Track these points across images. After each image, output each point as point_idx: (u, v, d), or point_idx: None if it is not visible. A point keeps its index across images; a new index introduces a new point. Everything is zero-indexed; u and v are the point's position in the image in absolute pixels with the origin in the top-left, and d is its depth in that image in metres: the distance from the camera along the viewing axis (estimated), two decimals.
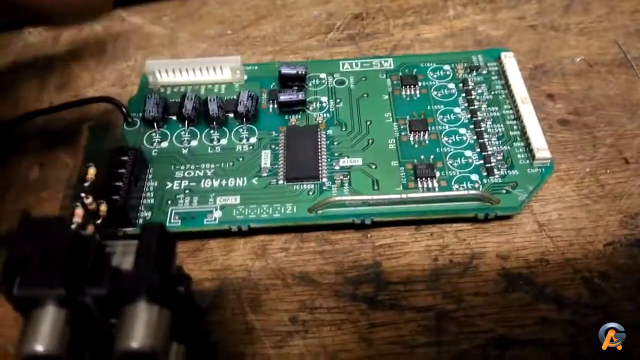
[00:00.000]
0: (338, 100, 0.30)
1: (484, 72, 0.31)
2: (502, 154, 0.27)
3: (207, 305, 0.24)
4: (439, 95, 0.30)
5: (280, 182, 0.27)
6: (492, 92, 0.30)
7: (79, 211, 0.21)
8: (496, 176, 0.26)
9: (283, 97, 0.29)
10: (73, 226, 0.20)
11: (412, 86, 0.30)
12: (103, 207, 0.23)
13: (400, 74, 0.31)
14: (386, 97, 0.30)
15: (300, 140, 0.28)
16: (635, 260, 0.24)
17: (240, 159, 0.28)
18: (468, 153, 0.27)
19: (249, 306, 0.24)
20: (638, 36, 0.33)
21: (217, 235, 0.26)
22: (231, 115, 0.29)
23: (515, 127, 0.28)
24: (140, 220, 0.26)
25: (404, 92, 0.30)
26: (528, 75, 0.31)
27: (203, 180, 0.27)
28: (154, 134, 0.29)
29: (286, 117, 0.30)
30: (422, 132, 0.28)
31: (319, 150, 0.28)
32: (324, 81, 0.31)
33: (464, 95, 0.30)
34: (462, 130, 0.28)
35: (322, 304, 0.24)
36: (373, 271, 0.25)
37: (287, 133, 0.29)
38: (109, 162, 0.26)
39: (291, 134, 0.29)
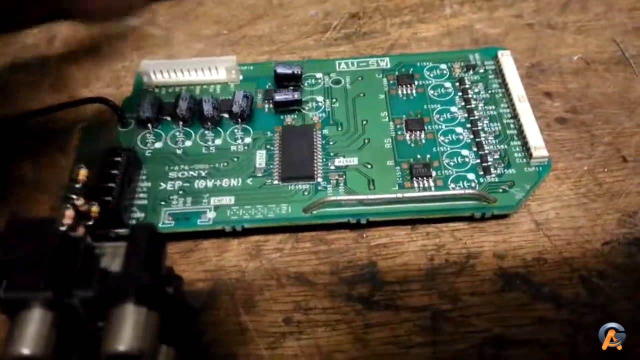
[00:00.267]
0: (334, 100, 0.30)
1: (481, 70, 0.31)
2: (499, 153, 0.27)
3: (200, 305, 0.24)
4: (435, 94, 0.30)
5: (275, 182, 0.27)
6: (489, 91, 0.30)
7: (69, 212, 0.21)
8: (493, 175, 0.26)
9: (278, 97, 0.29)
10: (63, 228, 0.20)
11: (409, 85, 0.30)
12: (94, 209, 0.23)
13: (397, 73, 0.31)
14: (382, 96, 0.30)
15: (295, 140, 0.28)
16: (633, 259, 0.24)
17: (235, 159, 0.28)
18: (465, 152, 0.27)
19: (243, 307, 0.24)
20: (636, 34, 0.33)
21: (210, 236, 0.26)
22: (226, 115, 0.29)
23: (512, 125, 0.28)
24: (133, 222, 0.25)
25: (400, 92, 0.30)
26: (525, 74, 0.31)
27: (197, 180, 0.27)
28: (148, 135, 0.29)
29: (282, 116, 0.29)
30: (418, 132, 0.28)
31: (315, 150, 0.28)
32: (320, 81, 0.31)
33: (460, 94, 0.30)
34: (459, 129, 0.28)
35: (317, 305, 0.24)
36: (368, 271, 0.24)
37: (282, 133, 0.28)
38: (102, 163, 0.25)
39: (286, 133, 0.28)
